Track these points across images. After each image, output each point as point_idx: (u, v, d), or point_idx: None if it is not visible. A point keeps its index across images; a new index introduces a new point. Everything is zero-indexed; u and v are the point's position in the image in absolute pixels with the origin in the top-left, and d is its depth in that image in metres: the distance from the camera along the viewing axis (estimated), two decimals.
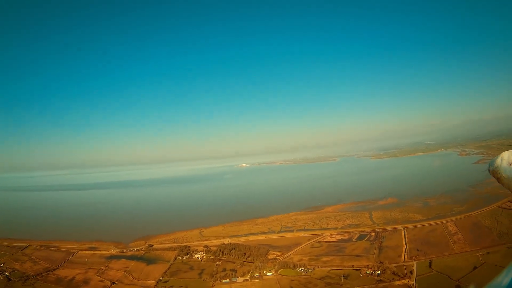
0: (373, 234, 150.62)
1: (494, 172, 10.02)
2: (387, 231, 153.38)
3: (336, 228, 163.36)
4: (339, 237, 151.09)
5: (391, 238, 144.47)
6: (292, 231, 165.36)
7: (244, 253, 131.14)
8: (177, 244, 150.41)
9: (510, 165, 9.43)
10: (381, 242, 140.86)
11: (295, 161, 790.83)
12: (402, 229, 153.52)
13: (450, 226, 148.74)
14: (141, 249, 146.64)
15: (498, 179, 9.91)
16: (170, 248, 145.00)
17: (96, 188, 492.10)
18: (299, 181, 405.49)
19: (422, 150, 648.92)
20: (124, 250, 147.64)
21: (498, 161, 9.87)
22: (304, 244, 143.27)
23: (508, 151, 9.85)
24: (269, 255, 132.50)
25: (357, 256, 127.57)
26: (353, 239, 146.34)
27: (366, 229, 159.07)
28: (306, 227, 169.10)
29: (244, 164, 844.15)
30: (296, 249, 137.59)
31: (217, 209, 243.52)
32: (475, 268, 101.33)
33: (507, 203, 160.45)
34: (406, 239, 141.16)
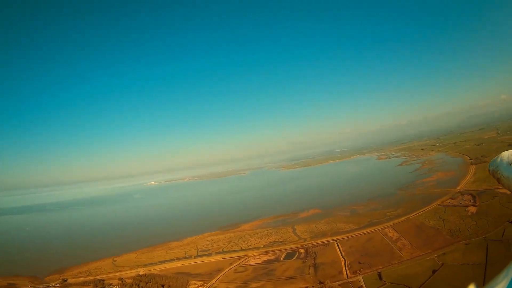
0: (302, 251, 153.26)
1: (494, 172, 11.35)
2: (317, 246, 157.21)
3: (258, 248, 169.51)
4: (264, 257, 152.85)
5: (324, 253, 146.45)
6: (210, 254, 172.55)
7: (162, 285, 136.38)
8: (91, 278, 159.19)
9: (510, 165, 10.67)
10: (314, 259, 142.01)
11: (203, 177, 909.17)
12: (334, 241, 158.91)
13: (389, 232, 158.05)
14: (56, 284, 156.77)
15: (498, 179, 11.23)
16: (84, 283, 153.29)
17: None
18: (210, 197, 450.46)
19: (336, 157, 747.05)
20: (40, 287, 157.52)
21: (498, 161, 11.22)
22: (227, 270, 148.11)
23: (508, 151, 11.16)
24: (190, 285, 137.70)
25: (291, 278, 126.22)
26: (281, 259, 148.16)
27: (293, 246, 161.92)
28: (225, 249, 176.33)
29: (153, 182, 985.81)
30: (219, 276, 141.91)
31: (128, 233, 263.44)
32: (434, 271, 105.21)
33: (448, 201, 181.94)
34: (342, 252, 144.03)
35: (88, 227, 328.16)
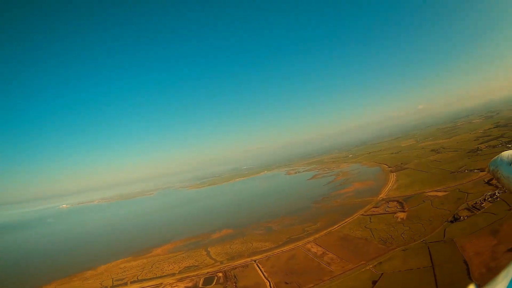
0: (220, 274, 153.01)
1: (494, 172, 12.81)
2: (236, 268, 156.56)
3: (174, 274, 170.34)
4: (181, 285, 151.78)
5: (245, 276, 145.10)
6: (126, 284, 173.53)
7: None
8: None
9: (510, 165, 11.74)
10: (235, 283, 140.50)
11: (112, 199, 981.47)
12: (253, 262, 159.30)
13: (312, 247, 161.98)
14: None
15: (498, 180, 12.53)
16: None
17: None
18: (120, 220, 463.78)
19: (243, 174, 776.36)
20: None
21: (498, 161, 12.48)
22: None
23: (508, 151, 12.42)
24: None
25: None
26: (200, 285, 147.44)
27: (210, 270, 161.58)
28: (139, 277, 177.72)
29: (64, 205, 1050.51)
30: None
31: (44, 262, 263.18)
32: (375, 282, 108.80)
33: (372, 210, 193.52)
34: (264, 273, 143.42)
35: (5, 258, 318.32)
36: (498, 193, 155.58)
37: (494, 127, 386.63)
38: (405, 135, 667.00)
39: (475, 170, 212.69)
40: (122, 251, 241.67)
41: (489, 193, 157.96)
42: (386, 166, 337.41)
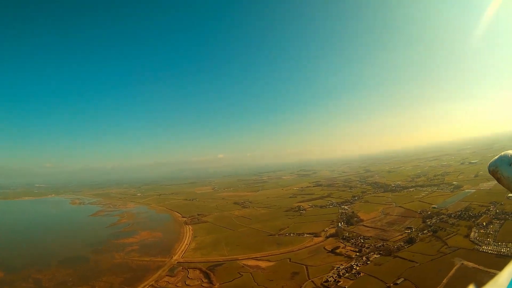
0: None
1: (494, 173, 12.20)
2: None
3: None
4: None
5: None
6: None
7: None
8: None
9: (510, 165, 11.64)
10: None
11: None
12: None
13: None
14: None
15: (498, 180, 12.09)
16: None
17: None
18: None
19: (32, 193, 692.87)
20: None
21: (498, 161, 12.13)
22: None
23: (508, 151, 12.10)
24: None
25: None
26: None
27: None
28: None
29: None
30: None
31: None
32: None
33: (165, 278, 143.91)
34: None
35: None
36: (357, 265, 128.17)
37: (314, 186, 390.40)
38: (201, 181, 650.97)
39: (306, 235, 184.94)
40: None
41: (342, 266, 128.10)
42: (179, 215, 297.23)
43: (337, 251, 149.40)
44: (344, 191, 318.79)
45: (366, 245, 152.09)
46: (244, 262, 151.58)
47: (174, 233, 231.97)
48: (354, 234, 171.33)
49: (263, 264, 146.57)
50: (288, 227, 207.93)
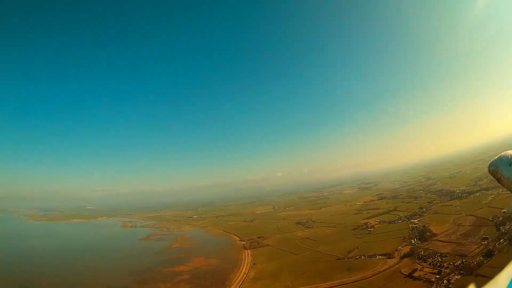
0: None
1: (494, 173, 12.42)
2: None
3: None
4: None
5: None
6: None
7: None
8: None
9: (510, 165, 11.77)
10: None
11: None
12: None
13: None
14: None
15: (499, 180, 12.32)
16: None
17: None
18: None
19: (83, 216, 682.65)
20: None
21: (498, 161, 12.30)
22: None
23: (508, 151, 12.27)
24: None
25: None
26: None
27: None
28: None
29: None
30: None
31: None
32: None
33: None
34: None
35: None
36: None
37: (378, 199, 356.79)
38: (260, 201, 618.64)
39: (378, 256, 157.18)
40: None
41: None
42: (238, 238, 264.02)
43: (415, 274, 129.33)
44: (409, 202, 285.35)
45: (445, 265, 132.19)
46: None
47: (231, 259, 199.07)
48: (430, 251, 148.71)
49: None
50: (357, 248, 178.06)
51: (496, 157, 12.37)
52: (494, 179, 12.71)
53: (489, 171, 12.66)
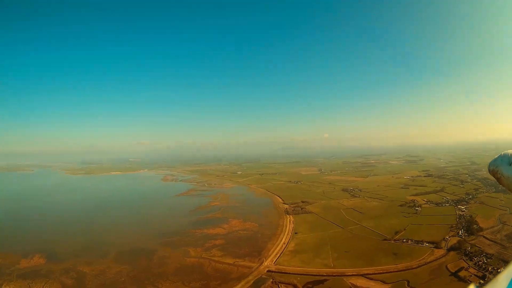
0: None
1: (494, 172, 11.72)
2: None
3: None
4: None
5: None
6: None
7: None
8: None
9: (510, 164, 11.13)
10: None
11: None
12: None
13: None
14: None
15: (499, 180, 11.63)
16: None
17: None
18: None
19: (123, 168, 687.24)
20: None
21: (499, 161, 11.61)
22: None
23: (509, 150, 11.55)
24: None
25: None
26: None
27: None
28: None
29: None
30: None
31: None
32: None
33: None
34: None
35: None
36: None
37: (425, 176, 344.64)
38: (307, 161, 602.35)
39: (425, 243, 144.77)
40: None
41: None
42: (280, 201, 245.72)
43: (460, 274, 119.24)
44: (456, 185, 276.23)
45: (489, 269, 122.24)
46: (353, 281, 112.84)
47: (272, 225, 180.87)
48: (476, 248, 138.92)
49: (375, 286, 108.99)
50: (404, 229, 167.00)
51: (496, 157, 11.54)
52: None
53: (489, 170, 11.75)
